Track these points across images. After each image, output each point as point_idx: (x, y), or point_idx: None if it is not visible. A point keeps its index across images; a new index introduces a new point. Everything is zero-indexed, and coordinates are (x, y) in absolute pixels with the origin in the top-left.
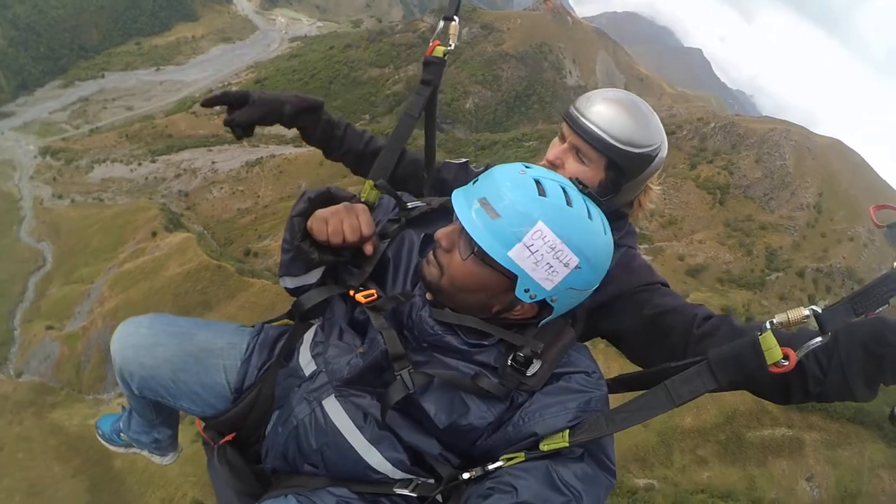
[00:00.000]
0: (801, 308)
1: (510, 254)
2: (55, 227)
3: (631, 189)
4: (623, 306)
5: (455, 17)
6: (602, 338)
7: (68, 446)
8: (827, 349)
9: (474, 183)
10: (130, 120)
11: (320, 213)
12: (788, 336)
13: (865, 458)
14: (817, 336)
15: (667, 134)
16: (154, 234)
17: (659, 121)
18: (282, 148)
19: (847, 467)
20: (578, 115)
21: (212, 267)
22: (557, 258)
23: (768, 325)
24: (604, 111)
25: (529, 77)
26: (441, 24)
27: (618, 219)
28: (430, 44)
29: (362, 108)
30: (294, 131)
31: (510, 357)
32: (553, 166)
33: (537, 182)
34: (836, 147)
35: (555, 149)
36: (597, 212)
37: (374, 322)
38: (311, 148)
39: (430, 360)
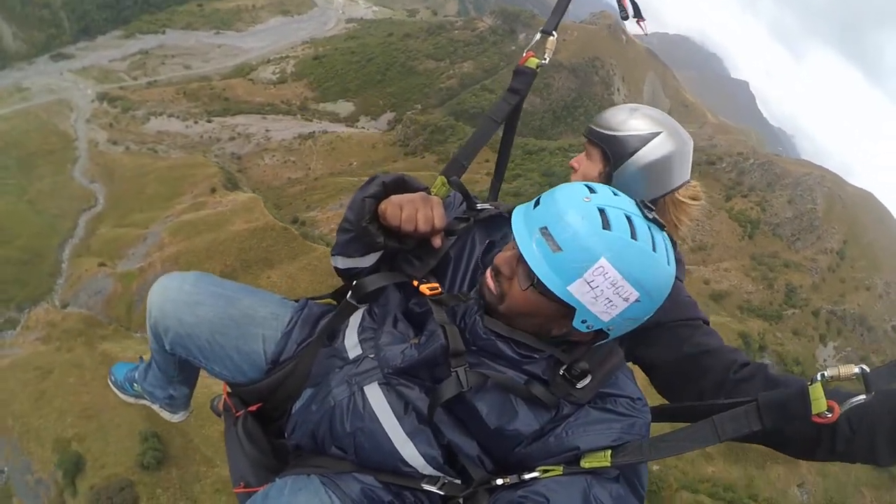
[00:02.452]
0: (852, 366)
1: (570, 288)
2: (109, 171)
3: (631, 181)
4: (663, 337)
5: (554, 33)
6: (634, 363)
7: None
8: (859, 411)
9: (536, 205)
10: (188, 78)
11: (396, 198)
12: (830, 391)
13: (852, 475)
14: (861, 395)
15: (707, 165)
16: (213, 191)
17: (660, 118)
18: (334, 125)
19: (835, 480)
20: (591, 124)
21: (278, 228)
22: (618, 293)
23: (819, 378)
24: (606, 112)
25: (579, 89)
26: (538, 36)
27: None
28: (525, 54)
29: (415, 97)
30: (348, 110)
31: (563, 368)
32: (573, 171)
33: (601, 212)
34: (867, 199)
35: (574, 160)
36: (661, 239)
37: (437, 316)
38: (364, 128)
39: (479, 363)
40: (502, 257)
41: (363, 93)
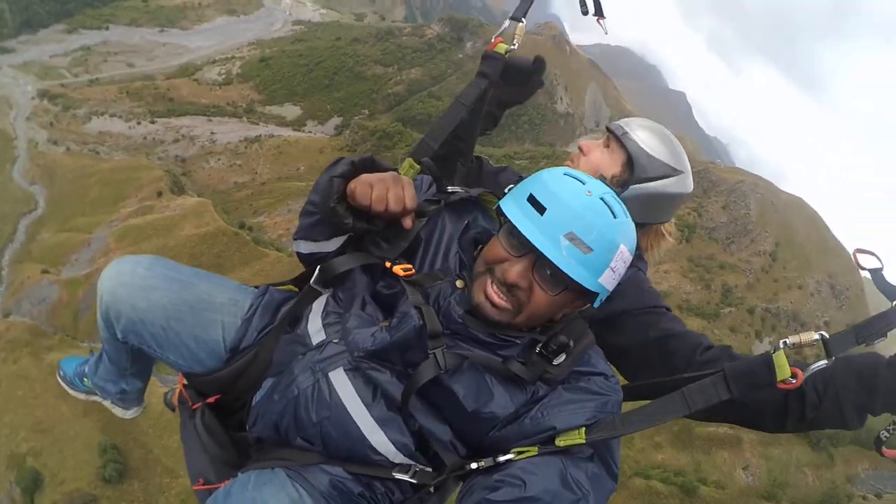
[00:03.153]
0: (812, 333)
1: (600, 280)
2: (50, 172)
3: (639, 202)
4: (629, 323)
5: (523, 20)
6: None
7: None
8: (824, 378)
9: (543, 213)
10: (131, 76)
11: (366, 177)
12: (796, 364)
13: (793, 456)
14: (822, 360)
15: None
16: (160, 195)
17: (685, 157)
18: (280, 129)
19: (777, 462)
20: (622, 120)
21: (229, 233)
22: (625, 265)
23: (781, 346)
24: (642, 124)
25: None
26: (507, 23)
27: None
28: (494, 39)
29: (363, 102)
30: (295, 114)
31: (540, 345)
32: (581, 152)
33: (604, 202)
34: (798, 204)
35: (584, 142)
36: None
37: (412, 297)
38: (311, 132)
39: (455, 345)
40: (516, 272)
41: (310, 97)
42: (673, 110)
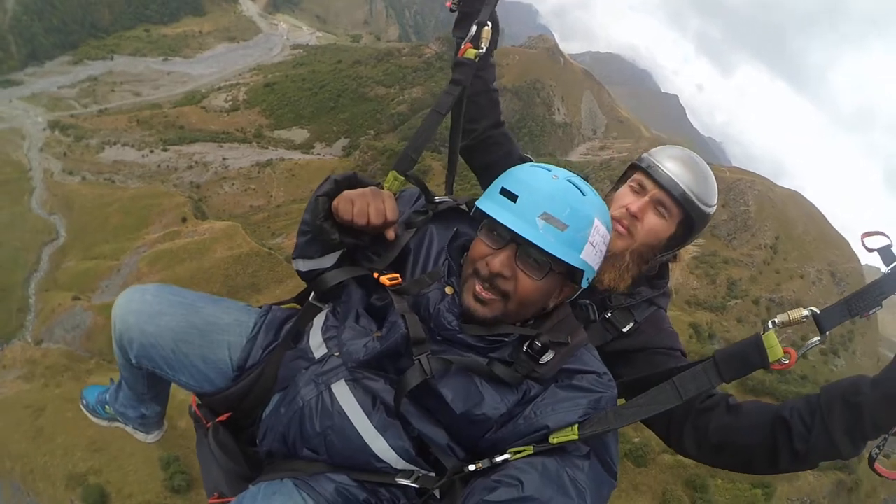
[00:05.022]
0: (801, 309)
1: (582, 256)
2: (68, 202)
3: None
4: (641, 360)
5: (488, 23)
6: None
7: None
8: (810, 408)
9: (511, 198)
10: (139, 105)
11: (347, 193)
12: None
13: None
14: (816, 337)
15: None
16: (184, 220)
17: (715, 183)
18: (290, 152)
19: None
20: (661, 167)
21: (262, 253)
22: (603, 241)
23: (770, 325)
24: (681, 165)
25: (522, 111)
26: (474, 28)
27: (660, 278)
28: (462, 46)
29: (368, 123)
30: (303, 137)
31: (526, 344)
32: (634, 218)
33: (571, 182)
34: (795, 198)
35: (636, 202)
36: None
37: (397, 305)
38: (321, 154)
39: (445, 350)
40: (499, 262)
41: (317, 120)
42: (666, 113)
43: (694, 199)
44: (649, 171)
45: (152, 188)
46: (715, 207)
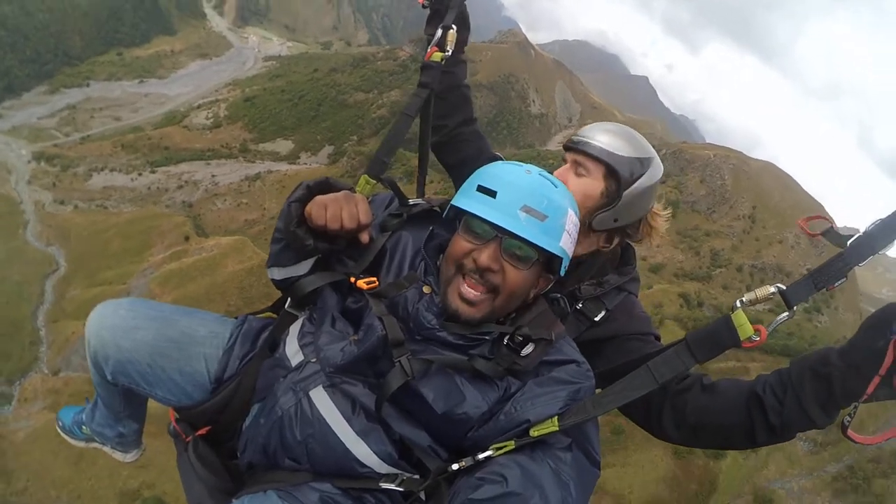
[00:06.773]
0: (767, 286)
1: (561, 244)
2: (63, 232)
3: (633, 203)
4: (615, 348)
5: (453, 26)
6: None
7: (156, 425)
8: (781, 382)
9: (495, 196)
10: (120, 130)
11: (320, 198)
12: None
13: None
14: (784, 313)
15: None
16: (187, 239)
17: (647, 142)
18: (277, 164)
19: None
20: (575, 135)
21: None
22: (576, 228)
23: (738, 304)
24: (597, 129)
25: (499, 105)
26: (439, 32)
27: (627, 264)
28: (429, 49)
29: (350, 129)
30: (288, 148)
31: (507, 338)
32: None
33: (543, 176)
34: (769, 168)
35: (557, 173)
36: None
37: (375, 308)
38: (307, 164)
39: (425, 350)
40: (486, 256)
41: (300, 130)
42: (636, 95)
43: (610, 149)
44: (567, 145)
45: (148, 211)
46: (646, 156)
